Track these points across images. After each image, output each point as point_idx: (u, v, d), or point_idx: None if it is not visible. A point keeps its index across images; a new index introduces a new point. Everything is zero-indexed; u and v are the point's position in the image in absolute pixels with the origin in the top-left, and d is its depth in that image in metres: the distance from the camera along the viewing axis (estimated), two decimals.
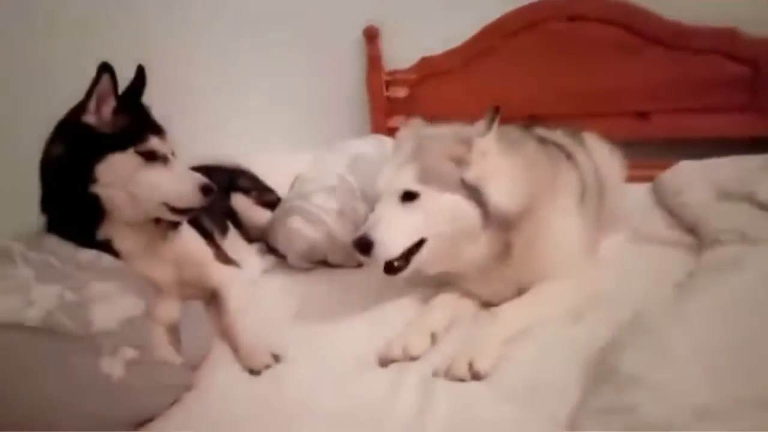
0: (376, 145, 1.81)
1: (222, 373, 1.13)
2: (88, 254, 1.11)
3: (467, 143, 1.15)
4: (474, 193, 1.13)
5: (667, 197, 1.60)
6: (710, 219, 1.37)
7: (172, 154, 1.24)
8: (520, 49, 2.35)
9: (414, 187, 1.13)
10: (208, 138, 2.07)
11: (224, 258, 1.42)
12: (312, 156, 1.81)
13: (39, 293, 0.93)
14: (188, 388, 1.06)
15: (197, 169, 1.62)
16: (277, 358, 1.13)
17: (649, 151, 2.12)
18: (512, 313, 1.13)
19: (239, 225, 1.69)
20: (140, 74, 1.27)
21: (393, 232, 1.11)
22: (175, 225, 1.29)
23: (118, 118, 1.17)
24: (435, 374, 1.02)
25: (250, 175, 1.80)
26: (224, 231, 1.58)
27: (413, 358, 1.09)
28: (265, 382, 1.08)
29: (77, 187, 1.14)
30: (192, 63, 2.04)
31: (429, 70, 2.56)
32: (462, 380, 0.99)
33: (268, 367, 1.11)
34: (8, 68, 1.45)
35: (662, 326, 0.89)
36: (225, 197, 1.66)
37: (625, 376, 0.83)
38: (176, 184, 1.18)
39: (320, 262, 1.56)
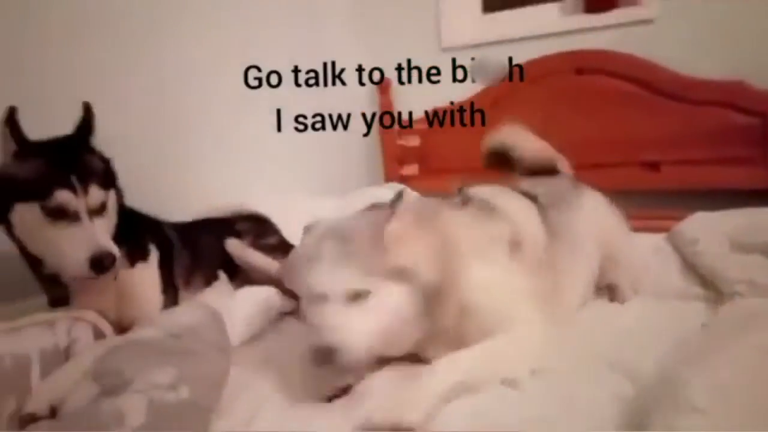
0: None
1: None
2: None
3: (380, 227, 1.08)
4: (404, 276, 1.06)
5: (682, 247, 1.59)
6: (726, 270, 1.36)
7: (98, 210, 1.12)
8: (527, 101, 2.40)
9: (361, 285, 1.04)
10: (221, 185, 2.10)
11: None
12: (329, 201, 1.82)
13: None
14: None
15: (193, 224, 1.65)
16: None
17: (660, 202, 2.12)
18: (450, 370, 1.03)
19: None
20: (86, 114, 1.17)
21: (354, 335, 1.02)
22: (133, 261, 1.25)
23: (26, 165, 1.08)
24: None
25: (253, 219, 1.79)
26: (209, 281, 1.54)
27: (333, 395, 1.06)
28: None
29: (8, 229, 1.11)
30: (205, 109, 2.08)
31: (439, 120, 2.62)
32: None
33: None
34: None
35: (684, 378, 0.87)
36: (220, 246, 1.62)
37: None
38: (69, 248, 1.07)
39: None
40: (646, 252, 1.65)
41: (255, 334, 1.42)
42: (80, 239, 1.07)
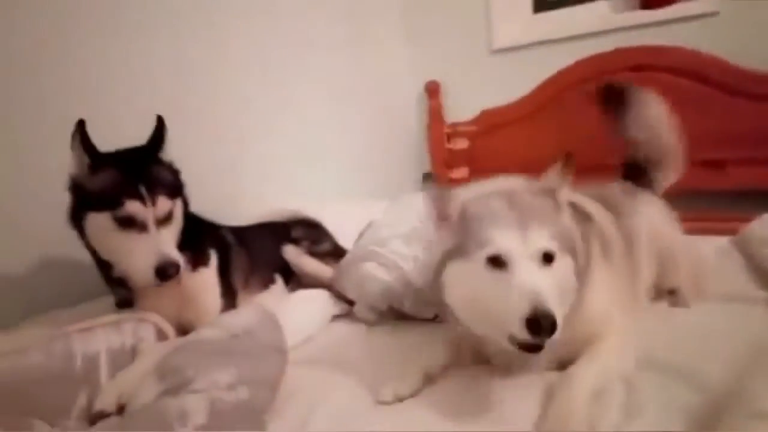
0: None
1: None
2: None
3: (551, 195, 1.04)
4: (570, 247, 1.01)
5: (751, 250, 1.52)
6: None
7: (165, 220, 1.17)
8: (581, 101, 2.33)
9: (552, 247, 0.96)
10: (270, 189, 2.15)
11: None
12: (382, 205, 1.83)
13: None
14: None
15: (250, 228, 1.67)
16: None
17: (723, 203, 2.03)
18: (586, 378, 1.04)
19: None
20: (159, 127, 1.22)
21: (554, 302, 0.90)
22: (195, 266, 1.29)
23: (99, 177, 1.14)
24: None
25: (307, 225, 1.82)
26: (266, 284, 1.58)
27: (401, 399, 1.07)
28: None
29: (81, 234, 1.18)
30: (254, 114, 2.12)
31: (489, 122, 2.59)
32: None
33: None
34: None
35: (755, 386, 0.83)
36: (276, 250, 1.68)
37: None
38: (137, 257, 1.12)
39: (390, 313, 1.53)
40: (709, 255, 1.58)
41: (309, 336, 1.44)
42: (147, 248, 1.12)
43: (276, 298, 1.53)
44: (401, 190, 2.38)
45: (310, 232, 1.79)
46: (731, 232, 1.66)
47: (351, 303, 1.59)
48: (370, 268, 1.53)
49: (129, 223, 1.12)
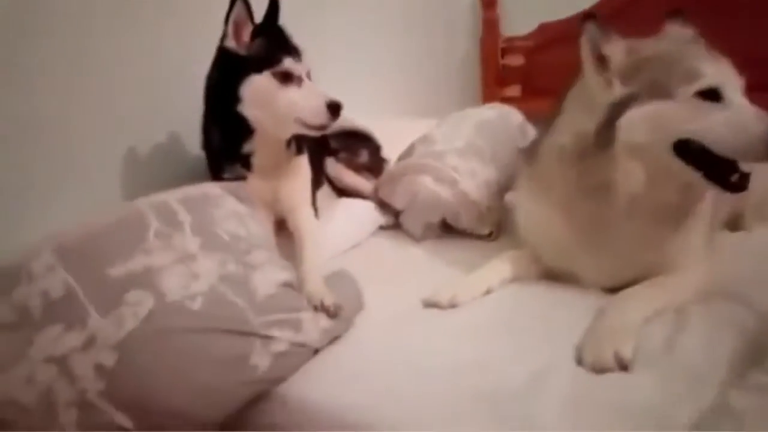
0: (499, 113, 1.76)
1: None
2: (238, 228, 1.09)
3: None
4: None
5: None
6: None
7: (308, 75, 1.29)
8: (651, 12, 2.15)
9: None
10: None
11: (314, 207, 1.44)
12: (430, 123, 1.77)
13: (203, 265, 0.96)
14: None
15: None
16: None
17: None
18: (644, 298, 1.05)
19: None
20: (273, 5, 1.32)
21: None
22: (299, 150, 1.38)
23: (256, 42, 1.26)
24: (579, 364, 0.91)
25: (346, 136, 1.75)
26: (319, 185, 1.61)
27: (455, 305, 1.10)
28: None
29: (229, 107, 1.25)
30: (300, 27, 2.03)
31: (548, 37, 2.44)
32: (609, 371, 0.88)
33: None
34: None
35: None
36: (320, 155, 1.66)
37: None
38: (307, 102, 1.24)
39: (438, 227, 1.52)
40: None
41: (355, 243, 1.46)
42: (313, 94, 1.25)
43: (325, 200, 1.55)
44: (450, 108, 2.30)
45: (348, 144, 1.77)
46: None
47: (396, 215, 1.58)
48: (426, 182, 1.50)
49: (288, 78, 1.23)
